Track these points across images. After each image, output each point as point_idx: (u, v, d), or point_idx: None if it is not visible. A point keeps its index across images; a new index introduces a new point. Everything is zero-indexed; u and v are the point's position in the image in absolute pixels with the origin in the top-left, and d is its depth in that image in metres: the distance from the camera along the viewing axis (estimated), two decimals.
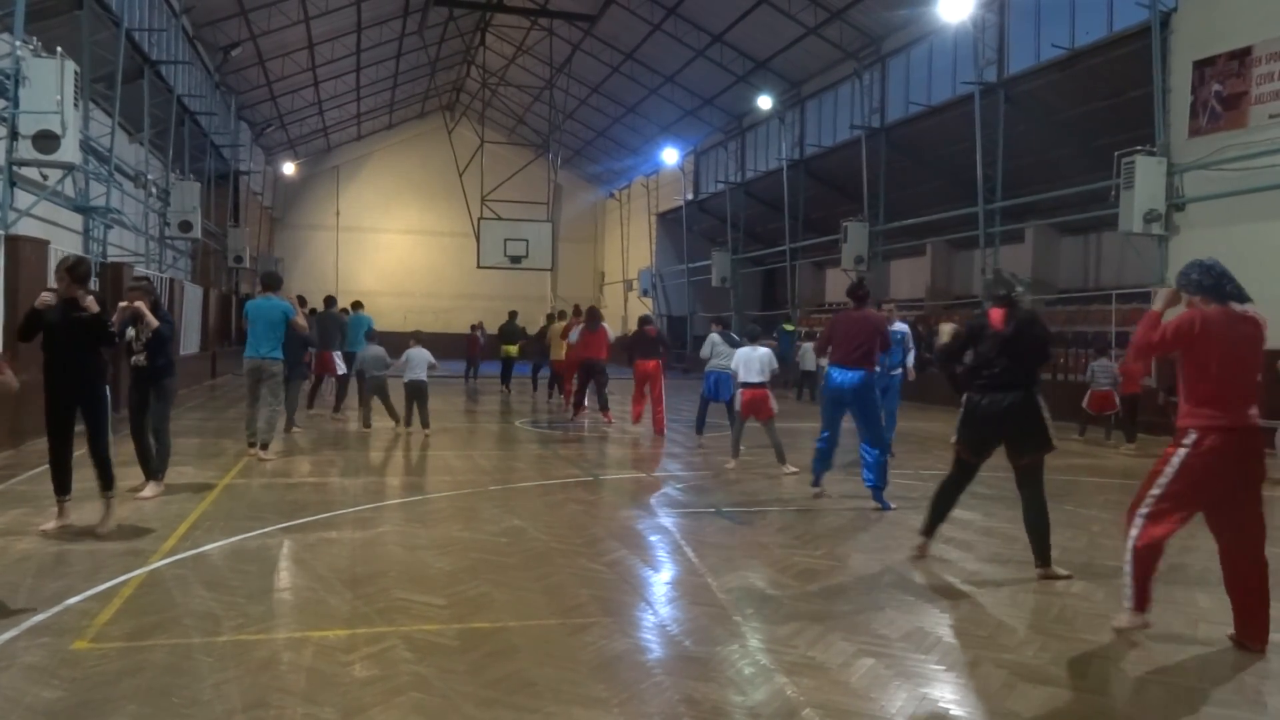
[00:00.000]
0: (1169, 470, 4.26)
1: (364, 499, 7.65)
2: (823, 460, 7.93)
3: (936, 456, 10.37)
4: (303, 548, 5.89)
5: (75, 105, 10.77)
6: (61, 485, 6.10)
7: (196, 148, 22.67)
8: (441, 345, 30.70)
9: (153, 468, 7.40)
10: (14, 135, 10.26)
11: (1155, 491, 4.28)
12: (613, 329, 15.17)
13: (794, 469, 9.17)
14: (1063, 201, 17.73)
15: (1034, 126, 17.66)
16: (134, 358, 7.29)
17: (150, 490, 7.29)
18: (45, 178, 11.82)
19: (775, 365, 9.46)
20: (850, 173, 22.48)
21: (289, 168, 35.57)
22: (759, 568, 5.61)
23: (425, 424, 11.79)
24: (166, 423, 7.53)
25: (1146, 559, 4.27)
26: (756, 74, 24.74)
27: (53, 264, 11.08)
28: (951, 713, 3.54)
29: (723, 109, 28.25)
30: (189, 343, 19.08)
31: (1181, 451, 4.24)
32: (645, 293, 33.94)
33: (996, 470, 9.72)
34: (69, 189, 13.24)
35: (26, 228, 11.09)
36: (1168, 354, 4.40)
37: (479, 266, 24.37)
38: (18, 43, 10.15)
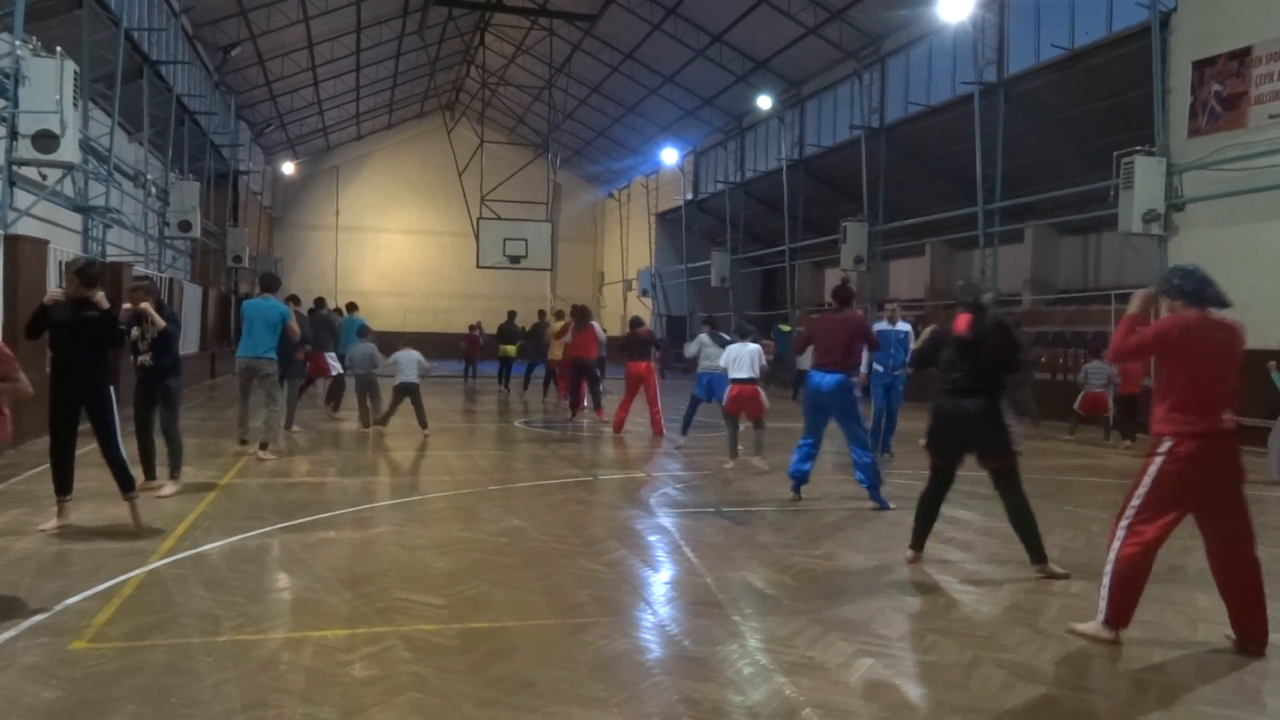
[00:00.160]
0: (1147, 480, 4.27)
1: (363, 499, 7.65)
2: (800, 466, 7.78)
3: None
4: (302, 547, 5.89)
5: (75, 105, 10.76)
6: (62, 485, 6.09)
7: (196, 147, 22.67)
8: (442, 345, 30.79)
9: (169, 467, 7.51)
10: (13, 135, 10.25)
11: (1136, 502, 4.29)
12: (602, 328, 15.18)
13: (765, 467, 9.22)
14: (1062, 201, 17.72)
15: (1034, 126, 17.66)
16: (139, 358, 7.29)
17: (169, 489, 7.37)
18: (44, 177, 11.82)
19: (764, 361, 9.47)
20: (850, 173, 22.47)
21: (288, 167, 35.56)
22: (758, 568, 5.61)
23: (423, 424, 11.77)
24: (176, 421, 7.58)
25: (1130, 572, 4.24)
26: (756, 74, 24.74)
27: (52, 263, 11.10)
28: (951, 713, 3.54)
29: (722, 109, 28.25)
30: (188, 343, 19.06)
31: (1158, 459, 4.25)
32: (645, 293, 33.93)
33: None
34: (68, 188, 13.23)
35: (26, 227, 11.09)
36: (1145, 358, 4.40)
37: (478, 266, 24.34)
38: (17, 42, 10.14)
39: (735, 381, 9.31)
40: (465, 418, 15.19)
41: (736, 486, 8.65)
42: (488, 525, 6.65)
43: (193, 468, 8.10)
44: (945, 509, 6.79)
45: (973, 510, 7.38)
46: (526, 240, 23.65)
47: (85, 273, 6.04)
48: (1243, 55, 12.82)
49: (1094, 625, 4.36)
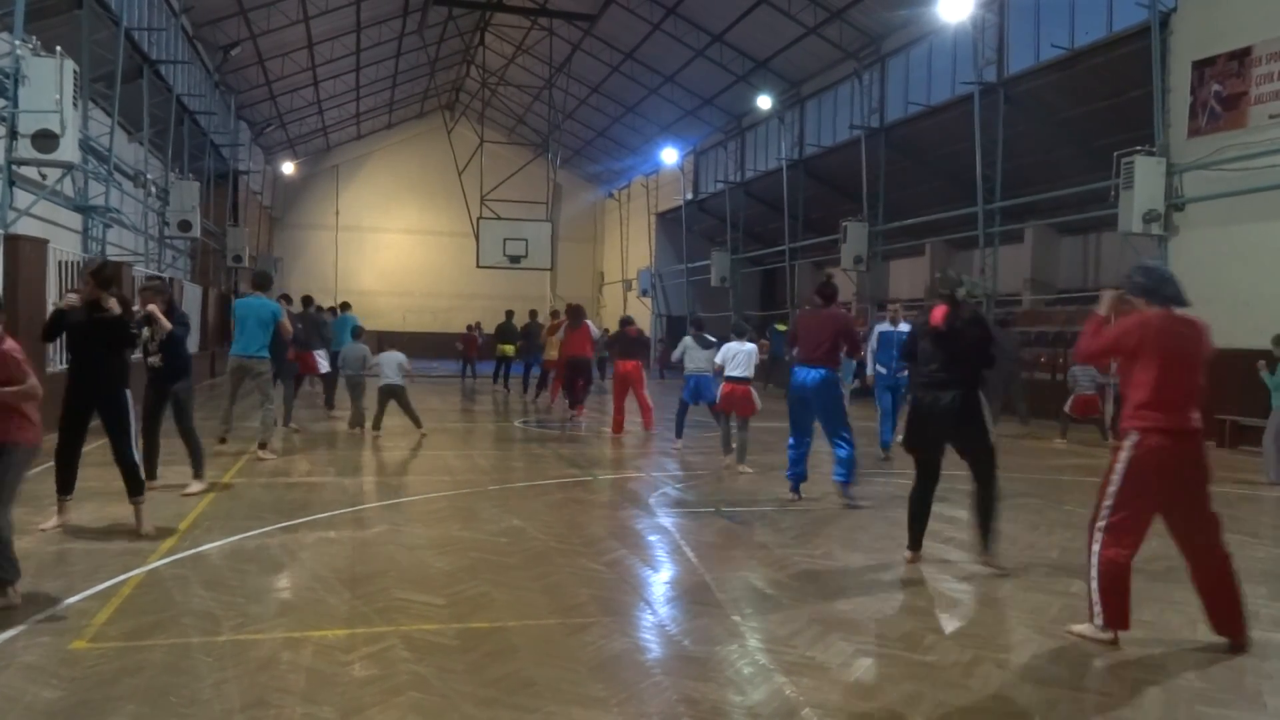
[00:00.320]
0: (1116, 477, 4.28)
1: (363, 498, 7.65)
2: (796, 467, 7.79)
3: None
4: (302, 547, 5.89)
5: (74, 104, 10.76)
6: (65, 484, 6.11)
7: (196, 147, 22.66)
8: (442, 345, 30.72)
9: (193, 467, 7.61)
10: (13, 134, 10.25)
11: (1108, 502, 4.30)
12: (604, 327, 15.18)
13: (750, 470, 9.20)
14: (1062, 201, 17.72)
15: (1033, 126, 17.66)
16: (149, 359, 7.31)
17: (195, 488, 7.48)
18: (44, 177, 11.81)
19: (756, 361, 9.45)
20: (850, 173, 22.47)
21: (288, 167, 35.55)
22: (758, 567, 5.61)
23: (416, 424, 11.67)
24: (192, 421, 7.63)
25: (1113, 573, 4.25)
26: (756, 74, 24.73)
27: (52, 263, 11.10)
28: (951, 713, 3.54)
29: (722, 109, 28.24)
30: (189, 342, 19.03)
31: (1124, 455, 4.27)
32: (645, 293, 33.93)
33: (997, 470, 9.75)
34: (68, 188, 13.23)
35: (26, 227, 11.09)
36: (1112, 358, 4.41)
37: (478, 266, 24.34)
38: (17, 42, 10.14)
39: (729, 380, 9.28)
40: (464, 417, 15.19)
41: (736, 486, 8.65)
42: (487, 525, 6.65)
43: (190, 467, 8.08)
44: (945, 509, 6.82)
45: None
46: (526, 240, 23.64)
47: (100, 274, 6.03)
48: (1243, 55, 12.82)
49: (1089, 627, 4.36)
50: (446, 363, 28.84)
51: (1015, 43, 17.87)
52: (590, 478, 9.01)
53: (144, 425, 7.38)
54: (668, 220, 34.49)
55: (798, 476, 7.81)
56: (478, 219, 24.15)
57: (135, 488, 6.11)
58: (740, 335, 9.52)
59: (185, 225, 18.71)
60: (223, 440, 10.04)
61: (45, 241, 10.99)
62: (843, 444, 7.50)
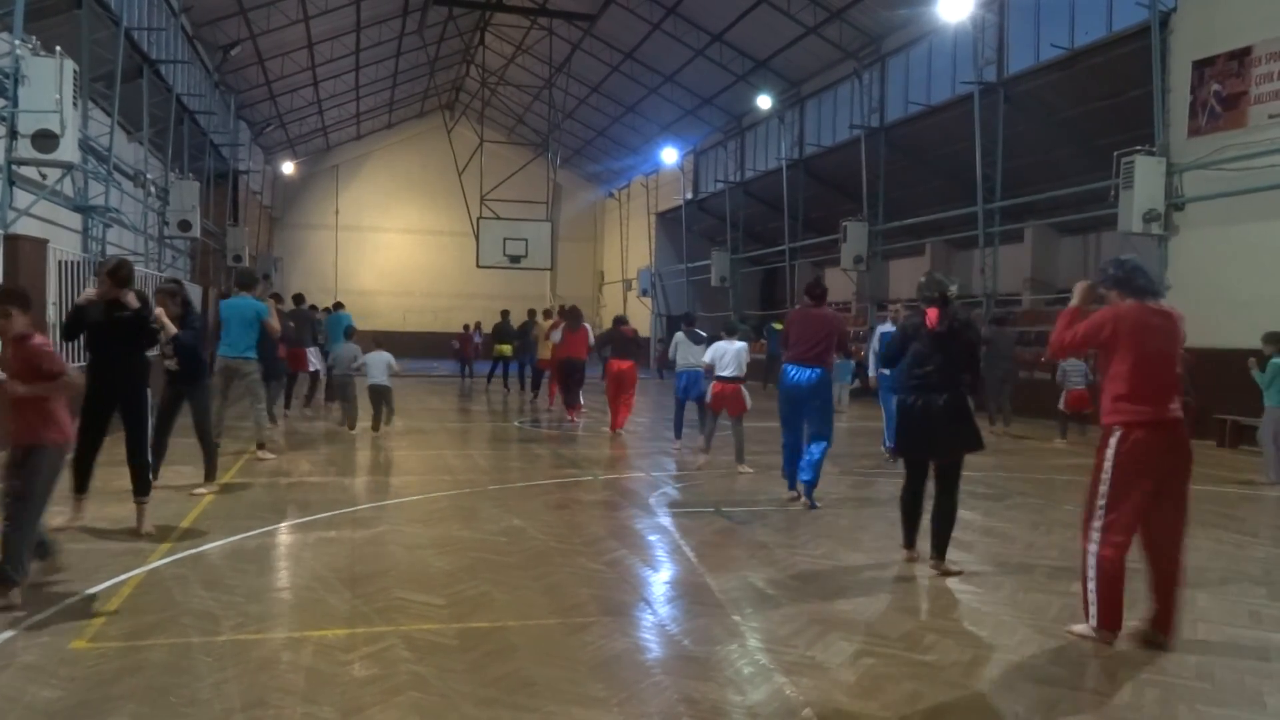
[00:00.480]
0: (1105, 476, 4.29)
1: (363, 498, 7.65)
2: (792, 464, 7.77)
3: None
4: (302, 547, 5.89)
5: (74, 104, 10.75)
6: (81, 483, 6.10)
7: (195, 147, 22.65)
8: (442, 345, 30.65)
9: (205, 468, 7.68)
10: (13, 134, 10.24)
11: (1101, 502, 4.30)
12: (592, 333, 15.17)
13: (750, 470, 9.18)
14: (1062, 201, 17.73)
15: (1033, 126, 17.66)
16: (166, 361, 7.32)
17: (204, 489, 7.52)
18: (44, 177, 11.80)
19: (749, 358, 9.41)
20: (850, 172, 22.47)
21: (288, 167, 35.54)
22: (758, 567, 5.60)
23: (388, 422, 11.63)
24: (207, 423, 7.66)
25: (1110, 573, 4.25)
26: (756, 73, 24.73)
27: (52, 263, 11.09)
28: (951, 713, 3.54)
29: (722, 108, 28.25)
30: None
31: (1109, 453, 4.28)
32: (645, 292, 33.93)
33: (997, 470, 9.77)
34: (68, 188, 13.22)
35: (25, 227, 11.08)
36: (1085, 350, 4.41)
37: (478, 266, 24.35)
38: (17, 41, 10.13)
39: (719, 379, 9.26)
40: (463, 417, 15.19)
41: (736, 486, 8.65)
42: (487, 525, 6.65)
43: (192, 467, 8.09)
44: None
45: (973, 510, 7.37)
46: (526, 240, 23.65)
47: (118, 273, 6.01)
48: (1242, 55, 12.83)
49: (1086, 627, 4.37)
50: (447, 363, 28.87)
51: (1015, 42, 17.88)
52: (590, 477, 9.01)
53: (156, 425, 7.40)
54: (668, 220, 34.50)
55: (794, 476, 7.81)
56: (478, 219, 24.15)
57: (142, 487, 6.11)
58: (731, 334, 9.43)
59: (185, 225, 18.70)
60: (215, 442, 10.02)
61: (45, 241, 10.98)
62: (822, 444, 7.49)
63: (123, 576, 5.04)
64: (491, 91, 31.34)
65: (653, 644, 4.27)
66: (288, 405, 13.85)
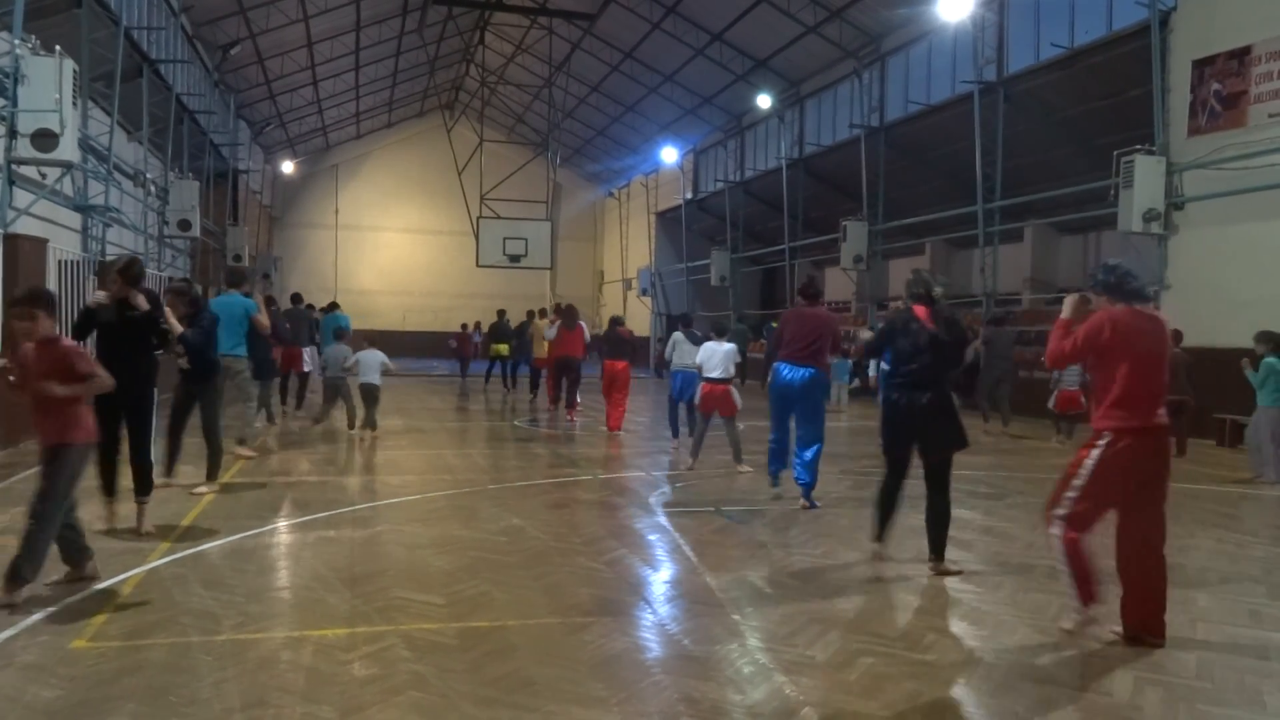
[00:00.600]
0: (1084, 472, 4.32)
1: (362, 498, 7.65)
2: (777, 460, 7.79)
3: None
4: (301, 546, 5.89)
5: (74, 104, 10.75)
6: (109, 486, 6.09)
7: (195, 146, 22.65)
8: (442, 344, 30.62)
9: (208, 468, 7.64)
10: (13, 134, 10.24)
11: (1071, 494, 4.34)
12: (589, 328, 15.17)
13: (749, 469, 9.17)
14: (1062, 201, 17.73)
15: (1033, 126, 17.66)
16: (179, 360, 7.32)
17: (204, 489, 7.50)
18: (44, 176, 11.80)
19: (738, 359, 9.37)
20: (849, 172, 22.47)
21: (288, 166, 35.53)
22: (758, 567, 5.60)
23: (372, 425, 11.45)
24: (216, 423, 7.65)
25: (1077, 554, 4.32)
26: (756, 73, 24.72)
27: (52, 262, 11.10)
28: (951, 712, 3.54)
29: (722, 108, 28.23)
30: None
31: (1095, 453, 4.31)
32: (644, 292, 33.91)
33: (997, 470, 9.77)
34: (68, 187, 13.22)
35: (25, 226, 11.08)
36: (1086, 356, 4.43)
37: (478, 265, 24.34)
38: (16, 41, 10.13)
39: (707, 380, 9.22)
40: (463, 416, 15.19)
41: (735, 486, 8.64)
42: (487, 524, 6.65)
43: (192, 466, 8.10)
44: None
45: (973, 510, 7.38)
46: (526, 239, 23.65)
47: (129, 272, 5.99)
48: (1242, 54, 12.82)
49: (1075, 619, 4.41)
50: (447, 362, 28.87)
51: (1015, 42, 17.88)
52: (589, 477, 9.02)
53: (169, 424, 7.41)
54: (667, 219, 34.49)
55: (777, 469, 7.85)
56: (477, 218, 24.14)
57: (143, 487, 6.11)
58: (720, 335, 9.39)
59: (185, 224, 18.69)
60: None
61: (45, 241, 11.00)
62: (816, 443, 7.49)
63: (123, 576, 5.04)
64: (491, 91, 31.32)
65: (652, 643, 4.27)
66: (284, 403, 13.84)
